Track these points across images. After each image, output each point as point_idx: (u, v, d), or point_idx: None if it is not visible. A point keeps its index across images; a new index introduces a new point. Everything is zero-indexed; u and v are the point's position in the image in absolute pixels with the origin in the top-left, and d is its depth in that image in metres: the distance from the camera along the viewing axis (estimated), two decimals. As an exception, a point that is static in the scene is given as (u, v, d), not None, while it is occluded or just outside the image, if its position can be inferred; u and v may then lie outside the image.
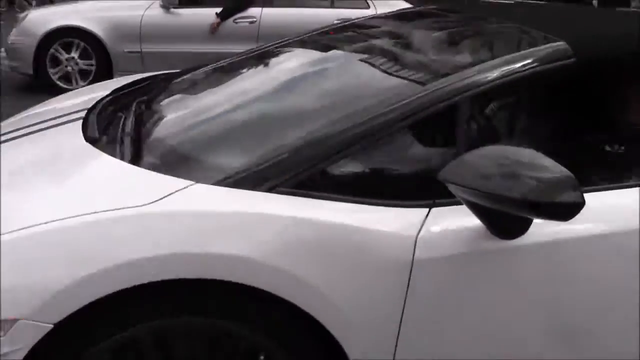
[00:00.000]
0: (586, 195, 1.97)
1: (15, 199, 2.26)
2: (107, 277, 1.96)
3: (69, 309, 1.95)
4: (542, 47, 2.51)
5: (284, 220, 2.09)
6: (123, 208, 2.08)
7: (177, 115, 2.99)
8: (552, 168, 1.97)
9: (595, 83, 2.73)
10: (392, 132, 2.29)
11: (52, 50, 8.96)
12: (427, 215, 2.18)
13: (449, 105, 2.32)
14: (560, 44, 2.45)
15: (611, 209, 2.30)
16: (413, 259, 2.13)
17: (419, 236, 2.15)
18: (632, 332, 2.26)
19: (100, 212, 2.07)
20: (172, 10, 8.93)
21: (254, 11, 9.05)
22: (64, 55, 8.99)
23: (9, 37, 9.28)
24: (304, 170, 2.20)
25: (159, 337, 2.13)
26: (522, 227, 2.13)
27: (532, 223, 2.13)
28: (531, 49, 2.55)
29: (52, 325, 1.94)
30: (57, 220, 2.05)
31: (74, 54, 8.99)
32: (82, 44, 8.98)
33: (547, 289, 2.25)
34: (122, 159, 2.46)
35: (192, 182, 2.18)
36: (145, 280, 1.97)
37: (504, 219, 2.08)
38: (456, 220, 2.18)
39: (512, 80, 2.38)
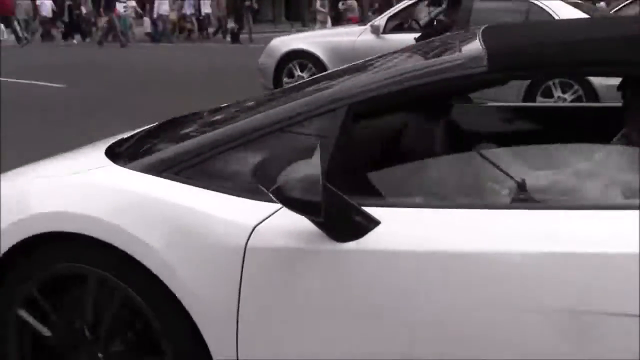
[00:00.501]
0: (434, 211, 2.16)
1: None
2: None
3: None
4: (455, 56, 2.52)
5: (144, 197, 2.45)
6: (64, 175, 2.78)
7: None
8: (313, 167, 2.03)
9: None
10: (264, 135, 2.43)
11: (290, 65, 10.98)
12: (278, 210, 2.21)
13: (327, 111, 2.37)
14: (476, 54, 2.40)
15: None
16: (246, 247, 2.21)
17: (258, 226, 2.22)
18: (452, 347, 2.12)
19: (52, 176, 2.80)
20: (381, 35, 10.44)
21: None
22: (297, 71, 10.94)
23: (259, 60, 11.49)
24: (185, 161, 2.45)
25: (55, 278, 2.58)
26: (356, 231, 2.13)
27: (373, 230, 2.13)
28: (442, 58, 2.55)
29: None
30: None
31: (305, 74, 10.86)
32: (309, 64, 10.85)
33: (373, 296, 2.18)
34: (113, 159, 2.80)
35: (111, 164, 2.67)
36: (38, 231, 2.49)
37: (336, 221, 2.12)
38: (303, 219, 2.12)
39: (410, 87, 2.35)
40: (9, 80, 14.73)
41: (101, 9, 29.67)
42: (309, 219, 2.09)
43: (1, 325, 2.61)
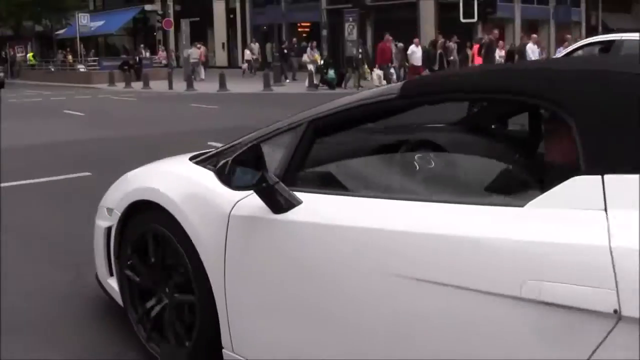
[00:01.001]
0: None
1: None
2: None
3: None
4: (386, 89, 3.18)
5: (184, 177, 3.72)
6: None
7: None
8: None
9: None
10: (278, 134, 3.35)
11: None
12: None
13: (293, 127, 3.23)
14: (396, 85, 3.06)
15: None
16: (230, 215, 3.12)
17: (240, 202, 3.10)
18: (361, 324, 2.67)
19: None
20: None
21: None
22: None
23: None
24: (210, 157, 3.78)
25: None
26: (285, 206, 2.90)
27: (296, 207, 2.90)
28: (380, 90, 3.29)
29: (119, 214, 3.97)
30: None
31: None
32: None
33: (296, 248, 2.89)
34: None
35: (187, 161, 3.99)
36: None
37: (270, 200, 2.91)
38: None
39: (344, 109, 3.11)
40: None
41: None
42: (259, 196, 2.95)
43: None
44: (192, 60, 35.77)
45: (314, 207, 2.91)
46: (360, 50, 28.97)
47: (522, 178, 2.87)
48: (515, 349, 2.23)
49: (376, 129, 3.81)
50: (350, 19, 28.66)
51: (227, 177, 2.91)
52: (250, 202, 3.02)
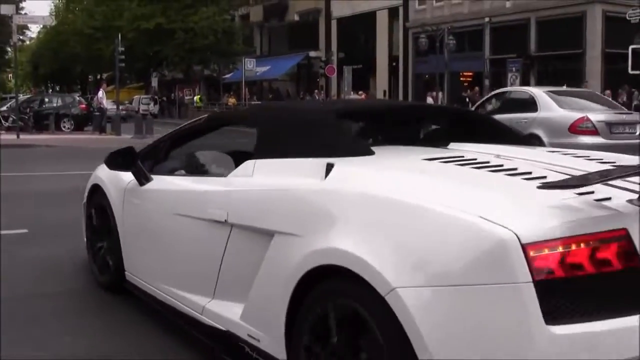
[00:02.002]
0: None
1: None
2: None
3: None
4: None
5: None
6: None
7: None
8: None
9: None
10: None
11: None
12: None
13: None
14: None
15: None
16: (125, 188, 5.33)
17: (132, 180, 5.25)
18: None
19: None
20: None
21: None
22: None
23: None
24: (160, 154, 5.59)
25: None
26: (142, 181, 5.10)
27: (149, 182, 5.08)
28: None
29: None
30: None
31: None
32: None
33: (150, 208, 5.02)
34: None
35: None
36: None
37: (137, 175, 5.13)
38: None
39: (184, 128, 5.59)
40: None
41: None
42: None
43: None
44: (353, 107, 36.21)
45: (156, 182, 5.05)
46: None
47: (229, 163, 4.84)
48: (219, 252, 3.98)
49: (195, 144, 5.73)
50: (514, 68, 28.53)
51: (112, 165, 5.26)
52: (133, 180, 5.21)
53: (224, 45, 49.83)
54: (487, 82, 40.10)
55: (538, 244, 2.49)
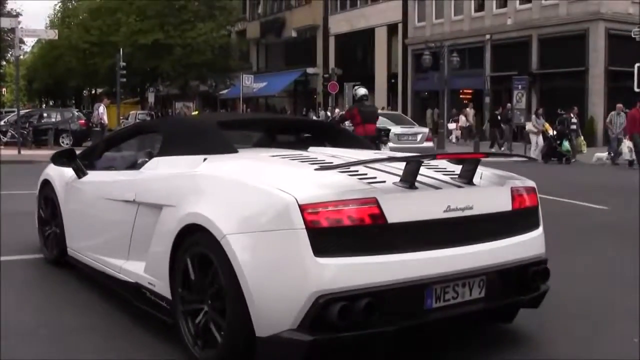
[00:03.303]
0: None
1: None
2: None
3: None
4: None
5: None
6: None
7: None
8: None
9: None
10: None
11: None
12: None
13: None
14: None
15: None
16: (67, 182, 6.85)
17: (73, 174, 6.68)
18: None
19: None
20: None
21: None
22: None
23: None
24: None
25: None
26: (82, 175, 6.50)
27: (86, 175, 6.53)
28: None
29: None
30: None
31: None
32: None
33: (85, 198, 6.42)
34: None
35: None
36: None
37: (76, 170, 6.53)
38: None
39: (120, 132, 7.76)
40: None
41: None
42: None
43: None
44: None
45: (90, 175, 6.43)
46: (573, 120, 27.10)
47: (143, 160, 6.01)
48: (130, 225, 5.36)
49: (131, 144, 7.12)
50: (520, 86, 28.26)
51: (57, 163, 6.66)
52: (73, 174, 6.55)
53: (221, 61, 49.59)
54: (487, 99, 39.97)
55: (310, 205, 3.85)
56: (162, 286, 4.76)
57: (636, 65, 27.43)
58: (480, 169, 4.66)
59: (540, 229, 4.88)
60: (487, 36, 40.57)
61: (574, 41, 35.58)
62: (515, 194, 4.65)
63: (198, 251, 4.36)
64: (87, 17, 55.95)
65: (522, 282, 4.63)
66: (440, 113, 36.97)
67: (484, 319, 4.84)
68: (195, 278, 4.41)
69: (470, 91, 42.70)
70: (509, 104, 32.20)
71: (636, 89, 27.27)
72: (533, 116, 28.59)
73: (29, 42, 77.53)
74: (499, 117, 32.92)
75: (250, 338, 4.01)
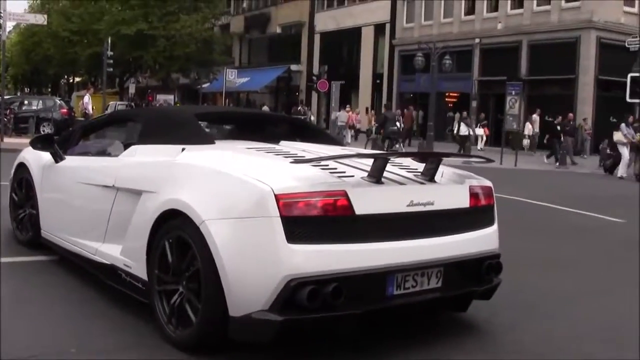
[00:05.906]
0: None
1: None
2: None
3: None
4: None
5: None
6: None
7: None
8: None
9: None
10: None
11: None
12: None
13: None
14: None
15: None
16: (43, 165, 6.91)
17: (50, 159, 6.75)
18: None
19: None
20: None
21: None
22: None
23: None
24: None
25: None
26: (59, 159, 6.59)
27: (63, 160, 6.62)
28: None
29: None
30: None
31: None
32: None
33: (64, 183, 6.43)
34: None
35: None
36: None
37: (53, 155, 6.64)
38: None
39: (95, 121, 8.29)
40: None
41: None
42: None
43: None
44: (339, 124, 35.71)
45: (67, 160, 6.55)
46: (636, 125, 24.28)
47: (121, 148, 6.29)
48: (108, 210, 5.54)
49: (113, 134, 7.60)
50: (513, 92, 27.88)
51: (35, 147, 6.77)
52: (50, 159, 6.67)
53: (204, 54, 48.88)
54: (474, 103, 39.75)
55: (285, 195, 4.09)
56: (138, 268, 4.98)
57: (629, 75, 27.25)
58: (441, 168, 4.95)
59: (495, 226, 5.22)
60: (477, 40, 40.37)
61: (564, 48, 35.47)
62: (472, 193, 5.00)
63: (176, 235, 4.57)
64: (68, 4, 55.06)
65: (476, 274, 4.97)
66: (426, 115, 36.58)
67: (441, 307, 5.22)
68: (172, 261, 4.63)
69: (456, 94, 42.47)
70: (570, 114, 30.28)
71: (628, 100, 27.13)
72: (622, 125, 24.61)
73: (8, 28, 76.24)
74: (558, 127, 29.58)
75: (223, 318, 4.24)
